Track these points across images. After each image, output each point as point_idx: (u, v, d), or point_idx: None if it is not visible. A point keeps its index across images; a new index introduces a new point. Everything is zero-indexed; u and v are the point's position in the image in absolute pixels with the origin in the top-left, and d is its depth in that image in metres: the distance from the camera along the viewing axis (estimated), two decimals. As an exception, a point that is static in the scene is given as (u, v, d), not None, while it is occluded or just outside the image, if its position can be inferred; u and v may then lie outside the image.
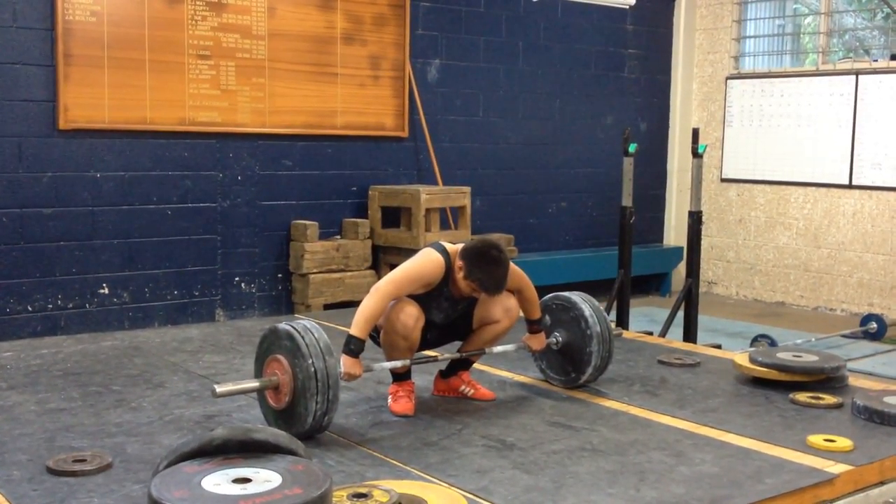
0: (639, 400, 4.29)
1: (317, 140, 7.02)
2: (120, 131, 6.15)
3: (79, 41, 5.91)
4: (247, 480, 2.57)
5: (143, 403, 4.16)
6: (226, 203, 6.65)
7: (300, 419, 3.54)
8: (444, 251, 3.94)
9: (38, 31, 5.83)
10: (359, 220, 7.06)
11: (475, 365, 4.46)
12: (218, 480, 2.56)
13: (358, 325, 3.75)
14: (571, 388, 4.43)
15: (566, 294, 4.46)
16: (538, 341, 4.33)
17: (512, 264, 4.06)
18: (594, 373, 4.37)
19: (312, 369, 3.49)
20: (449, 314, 4.07)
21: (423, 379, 4.50)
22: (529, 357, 4.77)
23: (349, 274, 6.88)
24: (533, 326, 4.30)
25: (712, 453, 3.54)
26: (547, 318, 4.43)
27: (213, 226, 6.61)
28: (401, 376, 4.08)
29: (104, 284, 6.15)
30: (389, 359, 3.98)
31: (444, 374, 4.32)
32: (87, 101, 5.99)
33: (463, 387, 4.27)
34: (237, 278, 6.72)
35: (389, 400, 4.07)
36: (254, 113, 6.66)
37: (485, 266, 3.83)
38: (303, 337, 3.55)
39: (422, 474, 3.27)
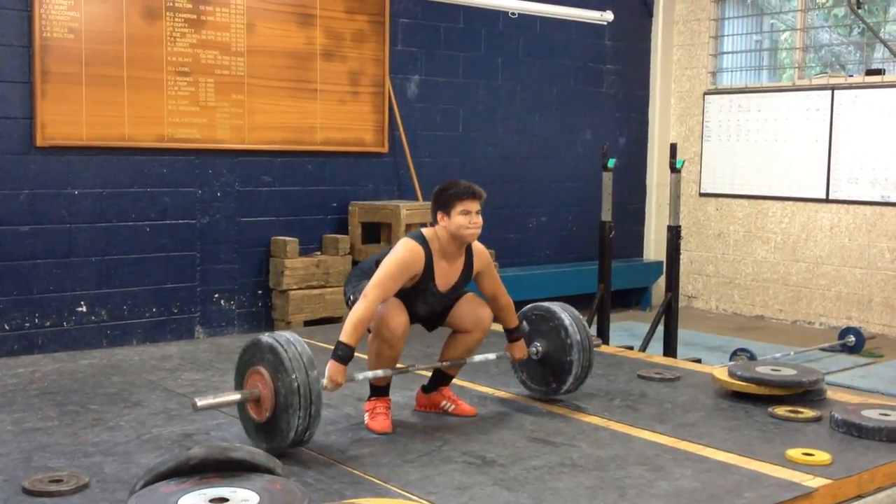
0: (619, 415, 4.29)
1: (296, 156, 7.01)
2: (98, 148, 6.13)
3: (56, 58, 5.89)
4: (224, 500, 2.55)
5: (120, 422, 4.12)
6: (205, 219, 6.62)
7: (281, 433, 3.52)
8: (421, 238, 3.96)
9: (15, 48, 5.80)
10: (339, 235, 7.05)
11: (455, 380, 4.45)
12: (195, 500, 2.54)
13: (346, 332, 3.74)
14: (552, 399, 4.43)
15: (546, 304, 4.47)
16: (519, 350, 4.33)
17: (486, 254, 4.13)
18: (575, 382, 4.37)
19: (295, 384, 3.46)
20: (434, 307, 4.08)
21: (404, 395, 4.49)
22: (510, 372, 4.76)
23: (329, 290, 6.86)
24: (512, 335, 4.30)
25: (692, 468, 3.54)
26: (525, 324, 4.43)
27: (193, 242, 6.58)
28: (379, 391, 4.07)
29: (82, 302, 6.11)
30: (372, 366, 3.97)
31: (425, 389, 4.31)
32: (65, 118, 5.96)
33: (444, 402, 4.26)
34: (216, 295, 6.69)
35: (366, 417, 4.05)
36: (233, 129, 6.65)
37: (447, 188, 3.94)
38: (286, 350, 3.53)
39: (401, 492, 3.26)
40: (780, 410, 4.23)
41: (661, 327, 6.26)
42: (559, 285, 8.26)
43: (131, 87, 6.20)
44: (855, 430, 3.90)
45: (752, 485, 3.35)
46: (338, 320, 6.86)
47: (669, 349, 6.18)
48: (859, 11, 7.33)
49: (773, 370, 4.56)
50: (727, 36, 9.20)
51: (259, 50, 6.72)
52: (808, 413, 4.18)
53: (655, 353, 6.03)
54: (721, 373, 4.69)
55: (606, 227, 6.51)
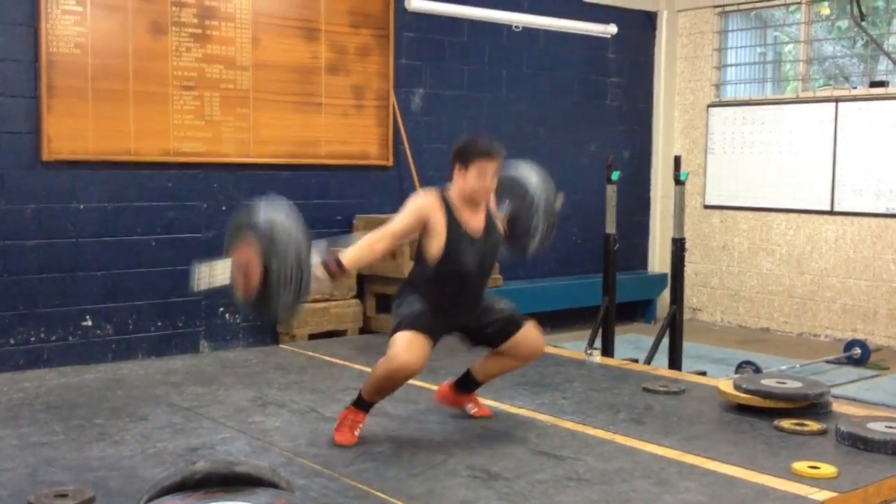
0: (624, 428, 4.29)
1: (301, 170, 7.03)
2: (103, 162, 6.15)
3: (62, 73, 5.92)
4: (229, 514, 2.55)
5: (125, 437, 4.13)
6: (210, 233, 6.64)
7: (268, 307, 3.66)
8: (435, 188, 4.03)
9: (22, 63, 5.83)
10: (343, 249, 7.05)
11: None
12: (200, 515, 2.54)
13: (350, 252, 3.82)
14: (556, 411, 4.42)
15: (516, 170, 4.51)
16: None
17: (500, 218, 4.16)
18: (540, 243, 4.46)
19: (289, 269, 3.55)
20: (481, 255, 3.99)
21: (407, 409, 4.49)
22: (515, 385, 4.77)
23: (334, 303, 6.87)
24: None
25: (697, 481, 3.54)
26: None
27: (198, 256, 6.55)
28: (363, 406, 4.02)
29: (87, 316, 6.12)
30: (368, 393, 3.96)
31: (456, 387, 4.35)
32: (71, 133, 5.98)
33: (469, 405, 4.36)
34: (221, 309, 6.69)
35: (335, 425, 4.05)
36: (238, 143, 6.67)
37: (468, 142, 4.04)
38: (280, 233, 3.58)
39: (406, 506, 3.26)
40: (786, 423, 4.22)
41: (665, 340, 6.25)
42: (564, 298, 8.26)
43: (137, 102, 6.22)
44: (860, 443, 3.89)
45: (758, 498, 3.34)
46: (342, 333, 6.87)
47: (674, 362, 6.17)
48: (863, 23, 7.35)
49: (778, 383, 4.56)
50: (731, 48, 9.21)
51: (264, 64, 6.75)
52: (813, 426, 4.18)
53: (660, 366, 6.03)
54: (726, 385, 4.69)
55: (611, 240, 6.51)
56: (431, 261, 3.91)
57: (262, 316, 3.65)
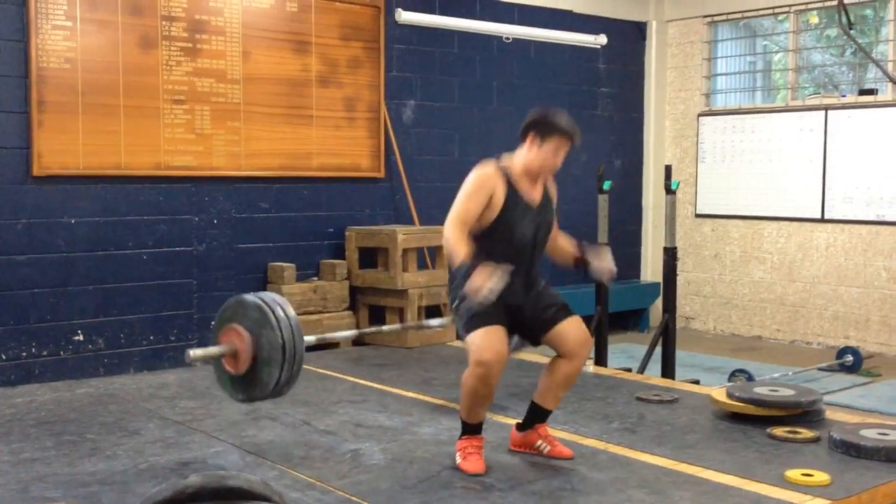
0: (617, 437, 4.29)
1: (293, 182, 7.03)
2: (94, 177, 6.14)
3: (53, 88, 5.91)
4: (222, 528, 2.54)
5: (117, 451, 4.11)
6: (202, 247, 6.63)
7: (261, 384, 3.78)
8: (494, 160, 3.94)
9: (12, 79, 5.83)
10: (336, 261, 7.06)
11: (449, 402, 4.44)
12: (192, 529, 2.53)
13: (455, 254, 3.64)
14: (551, 423, 4.42)
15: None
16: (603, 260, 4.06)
17: (555, 188, 4.11)
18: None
19: (280, 341, 3.69)
20: (536, 225, 3.90)
21: (403, 420, 4.47)
22: (507, 397, 4.75)
23: (327, 315, 6.86)
24: (581, 258, 4.09)
25: (691, 490, 3.54)
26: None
27: (189, 270, 6.59)
28: (471, 429, 3.83)
29: (79, 331, 6.10)
30: (467, 408, 3.78)
31: (520, 427, 4.08)
32: (62, 148, 5.98)
33: (539, 442, 4.02)
34: (214, 322, 6.67)
35: (458, 457, 3.83)
36: (229, 156, 6.67)
37: (552, 116, 3.92)
38: (272, 309, 3.76)
39: (400, 518, 3.25)
40: (779, 431, 4.23)
41: (658, 349, 6.26)
42: (557, 308, 8.24)
43: (127, 116, 6.22)
44: (854, 450, 3.90)
45: (752, 507, 3.34)
46: (335, 345, 6.85)
47: (667, 371, 6.17)
48: (851, 32, 7.37)
49: (771, 391, 4.57)
50: (720, 58, 9.25)
51: (255, 77, 6.75)
52: (806, 433, 4.18)
53: (654, 375, 6.03)
54: (719, 394, 4.70)
55: (603, 250, 6.50)
56: (485, 231, 3.80)
57: (250, 394, 3.80)
